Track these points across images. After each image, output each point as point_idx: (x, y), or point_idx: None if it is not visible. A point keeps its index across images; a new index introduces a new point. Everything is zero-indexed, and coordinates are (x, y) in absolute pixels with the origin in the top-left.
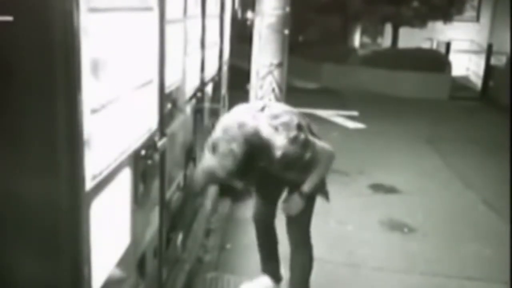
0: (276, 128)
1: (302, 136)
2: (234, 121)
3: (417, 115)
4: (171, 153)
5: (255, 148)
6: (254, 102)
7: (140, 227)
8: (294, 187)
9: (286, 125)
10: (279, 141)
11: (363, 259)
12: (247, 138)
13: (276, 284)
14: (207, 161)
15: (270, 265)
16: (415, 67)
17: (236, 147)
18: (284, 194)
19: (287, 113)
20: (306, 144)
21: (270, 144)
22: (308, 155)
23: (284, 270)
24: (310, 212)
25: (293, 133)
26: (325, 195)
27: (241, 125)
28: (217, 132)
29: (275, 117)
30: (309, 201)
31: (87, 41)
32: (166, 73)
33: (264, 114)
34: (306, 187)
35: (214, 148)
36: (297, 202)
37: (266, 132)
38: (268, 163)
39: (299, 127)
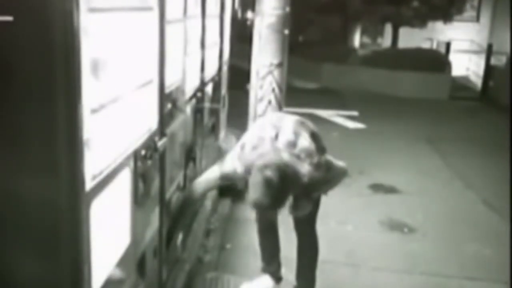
0: (298, 157)
1: (324, 160)
2: (257, 157)
3: (417, 115)
4: (171, 153)
5: (287, 178)
6: (261, 124)
7: (140, 227)
8: (305, 196)
9: (307, 152)
10: (304, 169)
11: (363, 259)
12: (280, 168)
13: (276, 284)
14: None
15: (271, 265)
16: (415, 67)
17: (271, 174)
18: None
19: (298, 134)
20: (329, 167)
21: (297, 172)
22: (330, 175)
23: (285, 271)
24: (317, 208)
25: (315, 159)
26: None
27: (273, 161)
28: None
29: (293, 145)
30: (315, 202)
31: (87, 41)
32: (166, 73)
33: (280, 143)
34: (317, 194)
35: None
36: (305, 207)
37: (290, 162)
38: (295, 189)
39: (319, 151)
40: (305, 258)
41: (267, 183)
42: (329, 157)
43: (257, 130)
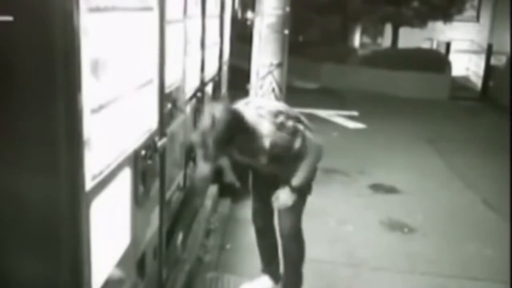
0: (262, 116)
1: (290, 122)
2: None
3: (417, 115)
4: (171, 153)
5: (238, 123)
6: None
7: (140, 227)
8: (286, 184)
9: (272, 113)
10: (266, 128)
11: (363, 259)
12: (232, 110)
13: (275, 284)
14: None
15: (270, 265)
16: (415, 67)
17: (218, 110)
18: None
19: (272, 103)
20: (295, 131)
21: (257, 133)
22: (297, 143)
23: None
24: (301, 207)
25: (279, 119)
26: (308, 189)
27: (227, 107)
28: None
29: (260, 107)
30: (300, 196)
31: (87, 41)
32: (166, 73)
33: (248, 106)
34: (296, 180)
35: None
36: (287, 196)
37: (253, 120)
38: (256, 154)
39: (286, 115)
40: (289, 260)
41: (211, 116)
42: (306, 131)
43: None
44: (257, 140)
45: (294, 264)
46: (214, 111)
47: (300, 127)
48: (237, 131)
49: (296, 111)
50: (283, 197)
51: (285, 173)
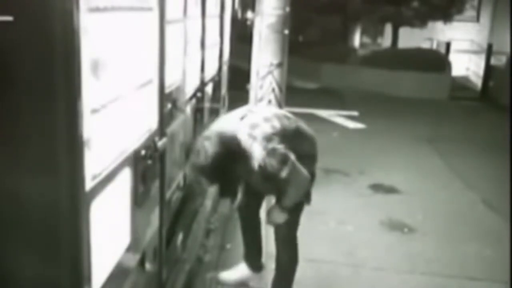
0: (254, 138)
1: (281, 150)
2: (213, 128)
3: (417, 115)
4: (171, 153)
5: (230, 153)
6: (238, 109)
7: (140, 227)
8: (277, 203)
9: (266, 136)
10: (257, 152)
11: (363, 259)
12: (223, 140)
13: (256, 272)
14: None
15: (251, 253)
16: (415, 67)
17: (208, 144)
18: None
19: (268, 121)
20: (284, 160)
21: (248, 155)
22: (284, 173)
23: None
24: (296, 219)
25: (271, 144)
26: (307, 198)
27: (219, 132)
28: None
29: (254, 126)
30: (294, 211)
31: (87, 41)
32: (166, 73)
33: (243, 123)
34: (286, 202)
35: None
36: (279, 215)
37: (245, 141)
38: (246, 174)
39: (281, 138)
40: (282, 268)
41: (202, 152)
42: (296, 162)
43: (230, 113)
44: (247, 160)
45: (285, 272)
46: (206, 146)
47: (291, 156)
48: (229, 161)
49: (295, 123)
50: (274, 216)
51: (274, 191)
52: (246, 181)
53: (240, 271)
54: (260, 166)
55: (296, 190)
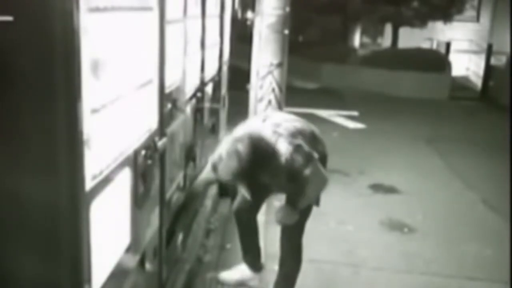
0: (280, 135)
1: (306, 148)
2: (243, 131)
3: (417, 115)
4: (171, 153)
5: (261, 153)
6: (254, 117)
7: (140, 227)
8: (289, 203)
9: (291, 132)
10: (283, 148)
11: (363, 259)
12: (253, 141)
13: (256, 273)
14: (208, 173)
15: (250, 254)
16: (415, 67)
17: (241, 147)
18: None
19: (289, 121)
20: (309, 158)
21: (275, 152)
22: (308, 171)
23: (265, 260)
24: (304, 221)
25: (297, 141)
26: (317, 201)
27: (248, 133)
28: (223, 144)
29: (278, 125)
30: (304, 212)
31: (87, 41)
32: (166, 73)
33: (266, 123)
34: (301, 202)
35: (219, 159)
36: (291, 216)
37: (270, 138)
38: (274, 172)
39: (303, 137)
40: (285, 270)
41: (237, 155)
42: (318, 162)
43: (250, 119)
44: (274, 158)
45: (289, 274)
46: (239, 148)
47: (315, 155)
48: (260, 161)
49: (310, 126)
50: (285, 216)
51: (291, 191)
52: (271, 180)
53: (240, 271)
54: (286, 162)
55: (315, 190)
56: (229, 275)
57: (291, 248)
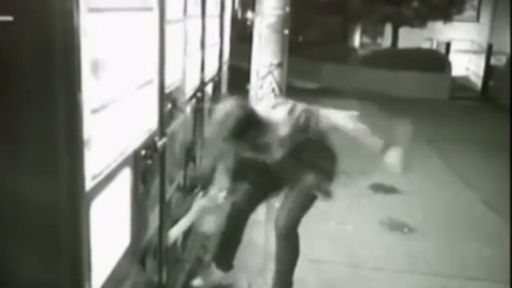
0: (274, 107)
1: (300, 106)
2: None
3: (417, 115)
4: (171, 153)
5: (251, 120)
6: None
7: (140, 227)
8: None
9: (283, 102)
10: (278, 116)
11: (363, 259)
12: (244, 107)
13: (226, 272)
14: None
15: (225, 253)
16: (415, 67)
17: (228, 103)
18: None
19: (284, 100)
20: (308, 114)
21: (271, 123)
22: (314, 125)
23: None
24: (307, 208)
25: (289, 105)
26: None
27: (238, 103)
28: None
29: (271, 102)
30: (306, 205)
31: (87, 41)
32: (166, 73)
33: (261, 103)
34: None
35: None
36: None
37: (264, 112)
38: (272, 148)
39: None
40: (283, 264)
41: (222, 108)
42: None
43: None
44: (271, 131)
45: (285, 272)
46: (227, 106)
47: (313, 108)
48: (250, 124)
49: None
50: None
51: (300, 169)
52: (269, 163)
53: (210, 274)
54: (286, 129)
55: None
56: (200, 281)
57: (288, 235)
